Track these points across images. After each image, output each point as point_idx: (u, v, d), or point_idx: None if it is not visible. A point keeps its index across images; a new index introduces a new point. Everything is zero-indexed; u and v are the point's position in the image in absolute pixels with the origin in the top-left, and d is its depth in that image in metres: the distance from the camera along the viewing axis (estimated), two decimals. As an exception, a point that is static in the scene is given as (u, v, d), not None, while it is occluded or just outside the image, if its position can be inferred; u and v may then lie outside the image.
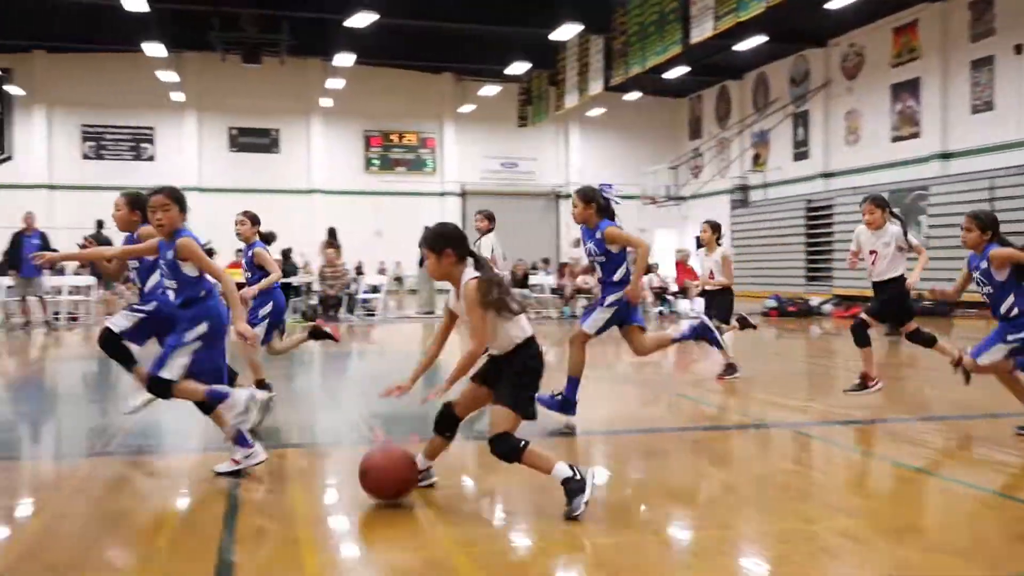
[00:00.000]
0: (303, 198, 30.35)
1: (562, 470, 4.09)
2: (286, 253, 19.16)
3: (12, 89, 28.34)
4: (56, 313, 17.29)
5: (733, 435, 6.55)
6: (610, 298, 6.40)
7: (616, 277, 6.50)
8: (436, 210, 31.29)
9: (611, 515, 4.31)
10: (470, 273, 4.16)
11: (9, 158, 29.00)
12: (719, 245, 9.39)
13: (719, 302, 9.36)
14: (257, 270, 7.31)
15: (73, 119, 29.60)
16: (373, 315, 18.54)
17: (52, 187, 28.90)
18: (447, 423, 4.41)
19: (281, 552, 3.70)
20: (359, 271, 25.79)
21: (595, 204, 6.48)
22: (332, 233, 20.00)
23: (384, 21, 21.17)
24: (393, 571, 3.60)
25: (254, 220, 7.47)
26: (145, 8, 18.89)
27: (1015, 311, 5.72)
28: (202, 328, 4.84)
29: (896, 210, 7.52)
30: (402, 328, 17.06)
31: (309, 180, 31.04)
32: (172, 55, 24.92)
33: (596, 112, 31.64)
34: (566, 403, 6.33)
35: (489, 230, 9.60)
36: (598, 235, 6.42)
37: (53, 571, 3.54)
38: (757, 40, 22.17)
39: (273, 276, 7.23)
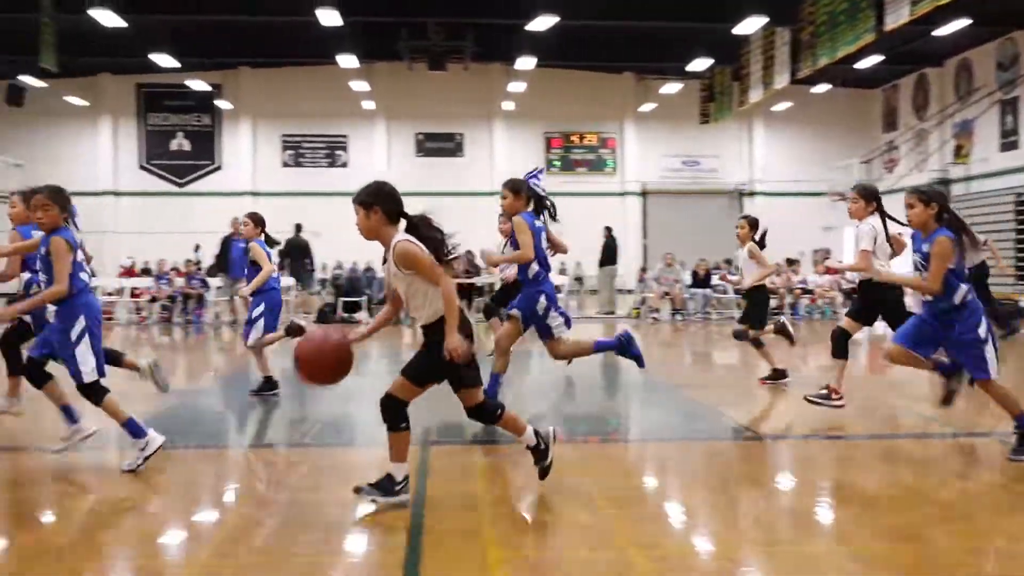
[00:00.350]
0: (486, 200, 30.95)
1: (396, 469, 4.28)
2: (470, 255, 19.61)
3: (221, 104, 30.59)
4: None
5: (932, 444, 6.19)
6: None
7: (529, 274, 6.47)
8: (617, 210, 31.16)
9: (799, 523, 4.19)
10: (400, 236, 4.27)
11: (219, 168, 31.31)
12: (754, 241, 8.59)
13: (752, 303, 8.64)
14: (251, 266, 7.94)
15: (275, 130, 31.54)
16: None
17: (256, 194, 30.84)
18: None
19: (464, 546, 3.81)
20: (539, 272, 26.05)
21: (524, 195, 6.36)
22: (514, 234, 20.24)
23: (565, 23, 21.29)
24: (573, 569, 3.63)
25: (257, 222, 8.12)
26: (339, 22, 19.85)
27: (970, 296, 5.21)
28: (81, 322, 5.07)
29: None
30: (583, 328, 17.10)
31: (492, 182, 31.60)
32: (363, 65, 26.07)
33: (781, 107, 30.57)
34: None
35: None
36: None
37: (254, 555, 3.80)
38: (959, 24, 20.78)
39: (264, 272, 7.82)
